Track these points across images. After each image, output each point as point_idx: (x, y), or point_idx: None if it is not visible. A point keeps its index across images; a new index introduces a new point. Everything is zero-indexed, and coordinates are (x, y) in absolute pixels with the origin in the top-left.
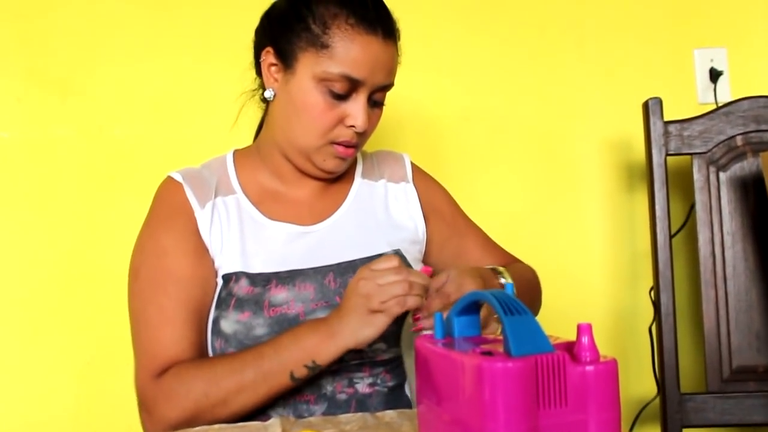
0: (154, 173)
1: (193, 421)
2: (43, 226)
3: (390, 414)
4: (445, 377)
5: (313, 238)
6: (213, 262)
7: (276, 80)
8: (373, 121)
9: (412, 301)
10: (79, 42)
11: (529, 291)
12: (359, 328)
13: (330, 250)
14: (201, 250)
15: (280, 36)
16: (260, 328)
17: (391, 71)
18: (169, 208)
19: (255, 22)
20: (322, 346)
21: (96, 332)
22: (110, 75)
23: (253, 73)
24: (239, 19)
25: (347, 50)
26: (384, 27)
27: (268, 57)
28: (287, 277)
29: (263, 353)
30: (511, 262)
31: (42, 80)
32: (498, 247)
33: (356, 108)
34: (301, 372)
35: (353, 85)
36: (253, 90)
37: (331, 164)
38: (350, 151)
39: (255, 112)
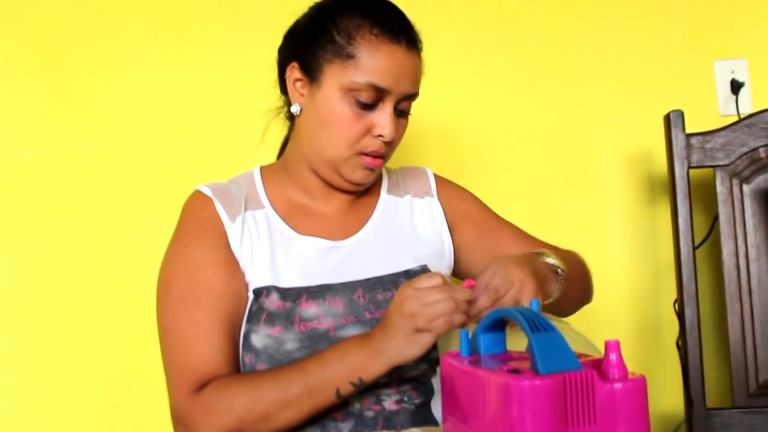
0: (176, 190)
1: None
2: (65, 244)
3: (414, 431)
4: (471, 395)
5: (341, 253)
6: (244, 276)
7: (302, 95)
8: (399, 131)
9: (458, 319)
10: (100, 59)
11: (579, 274)
12: (406, 348)
13: (358, 265)
14: (233, 264)
15: (305, 50)
16: (291, 342)
17: (416, 80)
18: (200, 222)
19: (276, 38)
20: (369, 364)
21: (118, 350)
22: (131, 92)
23: (277, 91)
24: (261, 35)
25: (373, 59)
26: (407, 36)
27: (294, 72)
28: (317, 292)
29: (308, 369)
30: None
31: (63, 98)
32: (535, 239)
33: (383, 117)
34: (346, 389)
35: (379, 95)
36: (278, 108)
37: (360, 175)
38: (378, 161)
39: (279, 131)
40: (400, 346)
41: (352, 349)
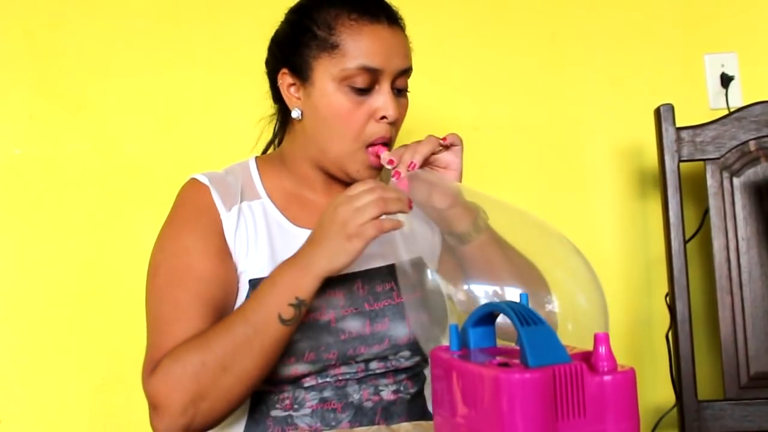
0: (167, 188)
1: (200, 401)
2: (56, 243)
3: (405, 426)
4: (461, 389)
5: None
6: (236, 267)
7: (299, 98)
8: (401, 110)
9: (389, 225)
10: (90, 57)
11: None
12: (335, 256)
13: None
14: (224, 253)
15: (291, 53)
16: (292, 334)
17: (406, 54)
18: (194, 209)
19: (267, 36)
20: (300, 281)
21: (110, 349)
22: (122, 90)
23: (267, 94)
24: (252, 34)
25: (357, 43)
26: (387, 14)
27: (285, 78)
28: None
29: (246, 307)
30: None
31: (54, 96)
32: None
33: (383, 98)
34: (288, 312)
35: (373, 76)
36: (271, 116)
37: (365, 175)
38: (384, 149)
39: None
40: (330, 255)
41: (282, 271)
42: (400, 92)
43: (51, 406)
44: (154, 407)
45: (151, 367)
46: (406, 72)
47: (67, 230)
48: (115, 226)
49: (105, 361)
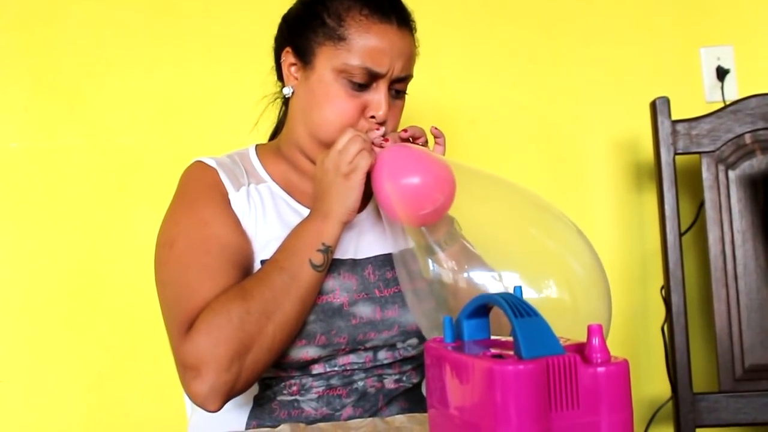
0: (163, 181)
1: (245, 353)
2: (52, 236)
3: (400, 419)
4: (456, 381)
5: (350, 229)
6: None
7: (296, 79)
8: (395, 112)
9: (370, 147)
10: (86, 51)
11: None
12: (344, 197)
13: (366, 241)
14: (241, 226)
15: (298, 35)
16: (323, 281)
17: (410, 60)
18: (205, 186)
19: (261, 29)
20: (323, 228)
21: (107, 343)
22: (117, 84)
23: (267, 78)
24: (247, 27)
25: (364, 40)
26: (398, 16)
27: (288, 57)
28: (332, 266)
29: (276, 257)
30: None
31: (49, 90)
32: None
33: (377, 97)
34: (318, 258)
35: (373, 76)
36: (275, 93)
37: None
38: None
39: (274, 119)
40: (339, 199)
41: (305, 223)
42: (397, 93)
43: (48, 401)
44: (194, 368)
45: (185, 328)
46: (406, 78)
47: (63, 224)
48: (111, 219)
49: (101, 355)
